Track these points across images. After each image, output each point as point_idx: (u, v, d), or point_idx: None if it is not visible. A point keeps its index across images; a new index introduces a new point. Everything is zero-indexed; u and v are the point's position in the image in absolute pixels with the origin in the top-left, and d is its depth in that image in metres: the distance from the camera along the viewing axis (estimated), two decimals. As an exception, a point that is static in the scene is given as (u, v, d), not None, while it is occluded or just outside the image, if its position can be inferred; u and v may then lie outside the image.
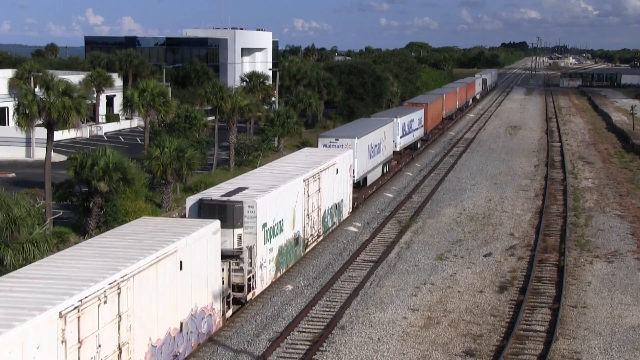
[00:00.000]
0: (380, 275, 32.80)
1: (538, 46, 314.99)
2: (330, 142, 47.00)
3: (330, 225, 38.30)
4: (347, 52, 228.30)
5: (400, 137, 60.57)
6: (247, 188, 30.26)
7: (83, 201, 37.57)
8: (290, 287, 31.15)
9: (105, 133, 77.22)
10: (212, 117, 64.23)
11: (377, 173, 51.87)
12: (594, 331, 26.59)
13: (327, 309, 28.61)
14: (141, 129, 67.88)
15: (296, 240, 32.80)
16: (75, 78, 69.09)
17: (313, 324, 27.17)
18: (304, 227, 33.88)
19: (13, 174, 55.37)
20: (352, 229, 40.74)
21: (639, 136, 77.66)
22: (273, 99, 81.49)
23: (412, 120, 65.10)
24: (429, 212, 44.88)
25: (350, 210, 42.43)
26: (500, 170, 59.46)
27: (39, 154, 58.92)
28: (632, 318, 27.88)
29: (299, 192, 32.96)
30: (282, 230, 30.73)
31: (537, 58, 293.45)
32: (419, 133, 68.70)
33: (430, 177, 56.48)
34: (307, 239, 34.58)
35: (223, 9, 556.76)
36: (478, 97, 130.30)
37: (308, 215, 34.31)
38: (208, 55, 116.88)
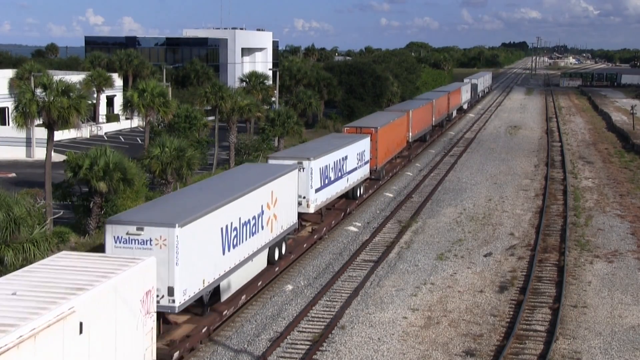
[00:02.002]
0: (381, 275, 32.80)
1: (538, 46, 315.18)
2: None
3: None
4: (347, 52, 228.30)
5: (318, 189, 37.33)
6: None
7: (83, 201, 37.59)
8: (290, 287, 31.16)
9: (105, 133, 77.24)
10: (212, 117, 64.26)
11: (249, 274, 29.09)
12: (594, 331, 26.59)
13: (327, 309, 28.61)
14: (141, 129, 67.91)
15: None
16: (75, 78, 69.12)
17: (313, 323, 27.17)
18: None
19: (13, 174, 55.40)
20: (352, 228, 40.74)
21: (639, 136, 77.65)
22: (273, 98, 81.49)
23: (345, 158, 41.49)
24: (429, 211, 44.88)
25: None
26: (501, 170, 59.44)
27: (39, 154, 58.98)
28: (632, 318, 27.88)
29: None
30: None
31: (537, 58, 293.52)
32: (361, 173, 45.11)
33: (431, 176, 56.46)
34: None
35: (223, 9, 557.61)
36: (466, 106, 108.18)
37: None
38: (208, 55, 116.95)
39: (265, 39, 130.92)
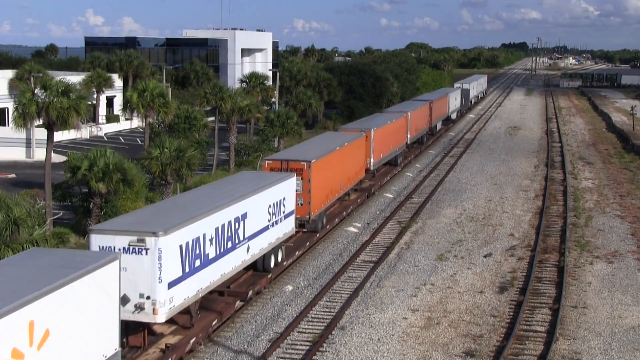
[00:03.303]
0: (380, 275, 32.79)
1: (538, 46, 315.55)
2: None
3: None
4: (347, 53, 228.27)
5: (176, 281, 22.78)
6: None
7: (83, 202, 37.58)
8: (290, 287, 31.15)
9: (105, 134, 77.22)
10: (212, 118, 64.26)
11: None
12: (594, 331, 26.58)
13: (327, 310, 28.60)
14: (141, 130, 67.91)
15: None
16: (75, 79, 69.09)
17: (313, 324, 27.16)
18: None
19: (13, 175, 55.39)
20: (352, 229, 40.73)
21: (639, 136, 77.65)
22: (273, 99, 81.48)
23: (243, 217, 27.28)
24: (429, 212, 44.86)
25: None
26: (501, 171, 59.44)
27: (39, 154, 58.97)
28: (632, 318, 27.87)
29: None
30: None
31: (537, 58, 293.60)
32: (279, 232, 30.92)
33: (431, 177, 56.45)
34: None
35: (223, 10, 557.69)
36: (455, 116, 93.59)
37: None
38: (208, 55, 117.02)
39: (265, 40, 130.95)
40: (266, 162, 36.12)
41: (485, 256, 35.70)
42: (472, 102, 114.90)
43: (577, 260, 34.89)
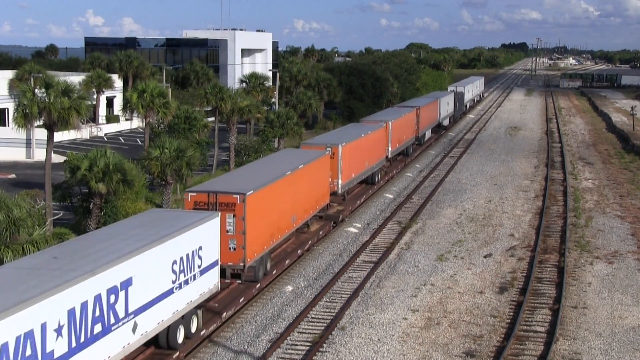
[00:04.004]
0: (381, 276, 32.79)
1: (538, 47, 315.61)
2: None
3: None
4: (347, 53, 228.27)
5: None
6: None
7: (83, 202, 37.57)
8: (290, 287, 31.14)
9: (105, 134, 77.21)
10: (212, 118, 64.25)
11: None
12: (594, 332, 26.58)
13: (327, 310, 28.60)
14: (141, 130, 67.90)
15: None
16: (75, 79, 69.09)
17: (313, 324, 27.16)
18: None
19: (13, 175, 55.40)
20: (352, 229, 40.73)
21: (639, 137, 77.66)
22: (273, 99, 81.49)
23: (126, 284, 19.70)
24: (429, 212, 44.86)
25: None
26: (501, 171, 59.44)
27: (39, 155, 58.96)
28: (632, 319, 27.87)
29: None
30: None
31: (537, 59, 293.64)
32: (189, 296, 23.34)
33: (431, 177, 56.45)
34: None
35: (223, 10, 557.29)
36: (447, 122, 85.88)
37: None
38: (208, 56, 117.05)
39: (265, 40, 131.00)
40: (189, 194, 28.26)
41: (485, 256, 35.70)
42: (468, 107, 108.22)
43: (577, 261, 34.89)
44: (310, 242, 35.33)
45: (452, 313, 28.33)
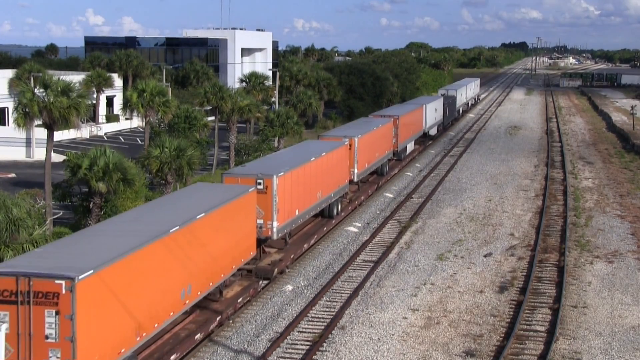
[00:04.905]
0: (381, 275, 32.78)
1: (538, 46, 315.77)
2: None
3: None
4: (347, 53, 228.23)
5: None
6: None
7: (83, 201, 37.56)
8: (290, 287, 31.14)
9: (105, 133, 77.21)
10: (212, 118, 64.25)
11: None
12: (594, 331, 26.58)
13: (327, 309, 28.59)
14: (141, 129, 67.90)
15: None
16: (75, 78, 69.09)
17: (313, 324, 27.15)
18: None
19: (13, 174, 55.39)
20: (352, 229, 40.72)
21: (639, 136, 77.66)
22: (273, 99, 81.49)
23: None
24: (429, 212, 44.85)
25: None
26: (501, 170, 59.43)
27: (39, 154, 58.94)
28: (632, 318, 27.86)
29: None
30: None
31: (537, 58, 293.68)
32: None
33: (431, 177, 56.44)
34: None
35: (223, 9, 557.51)
36: (434, 131, 75.68)
37: None
38: (208, 55, 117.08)
39: (265, 39, 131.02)
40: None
41: (485, 256, 35.70)
42: (461, 112, 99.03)
43: (577, 260, 34.89)
44: (217, 320, 25.65)
45: (452, 312, 28.33)
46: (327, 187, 37.81)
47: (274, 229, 31.27)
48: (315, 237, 36.55)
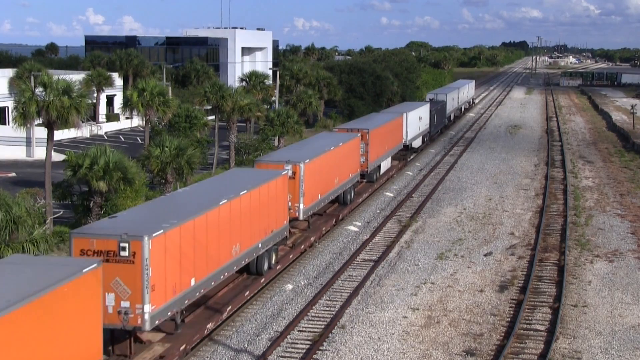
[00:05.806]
0: (381, 274, 32.78)
1: (538, 45, 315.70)
2: None
3: None
4: (347, 52, 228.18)
5: None
6: None
7: (83, 200, 37.55)
8: (290, 286, 31.14)
9: (105, 132, 77.20)
10: (212, 117, 64.24)
11: None
12: (594, 330, 26.58)
13: (328, 308, 28.59)
14: (141, 129, 67.88)
15: None
16: (75, 77, 69.07)
17: (313, 323, 27.16)
18: None
19: (13, 174, 55.39)
20: (352, 228, 40.72)
21: (639, 135, 77.65)
22: (273, 98, 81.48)
23: None
24: (429, 211, 44.85)
25: None
26: (501, 170, 59.43)
27: (39, 153, 58.95)
28: (632, 317, 27.87)
29: None
30: None
31: (538, 57, 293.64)
32: None
33: (431, 176, 56.44)
34: None
35: (223, 9, 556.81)
36: (418, 143, 64.90)
37: None
38: (208, 54, 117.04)
39: (265, 39, 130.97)
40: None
41: (485, 255, 35.70)
42: (452, 117, 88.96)
43: (578, 259, 34.89)
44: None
45: (452, 311, 28.33)
46: (264, 228, 29.93)
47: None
48: (247, 290, 28.45)
